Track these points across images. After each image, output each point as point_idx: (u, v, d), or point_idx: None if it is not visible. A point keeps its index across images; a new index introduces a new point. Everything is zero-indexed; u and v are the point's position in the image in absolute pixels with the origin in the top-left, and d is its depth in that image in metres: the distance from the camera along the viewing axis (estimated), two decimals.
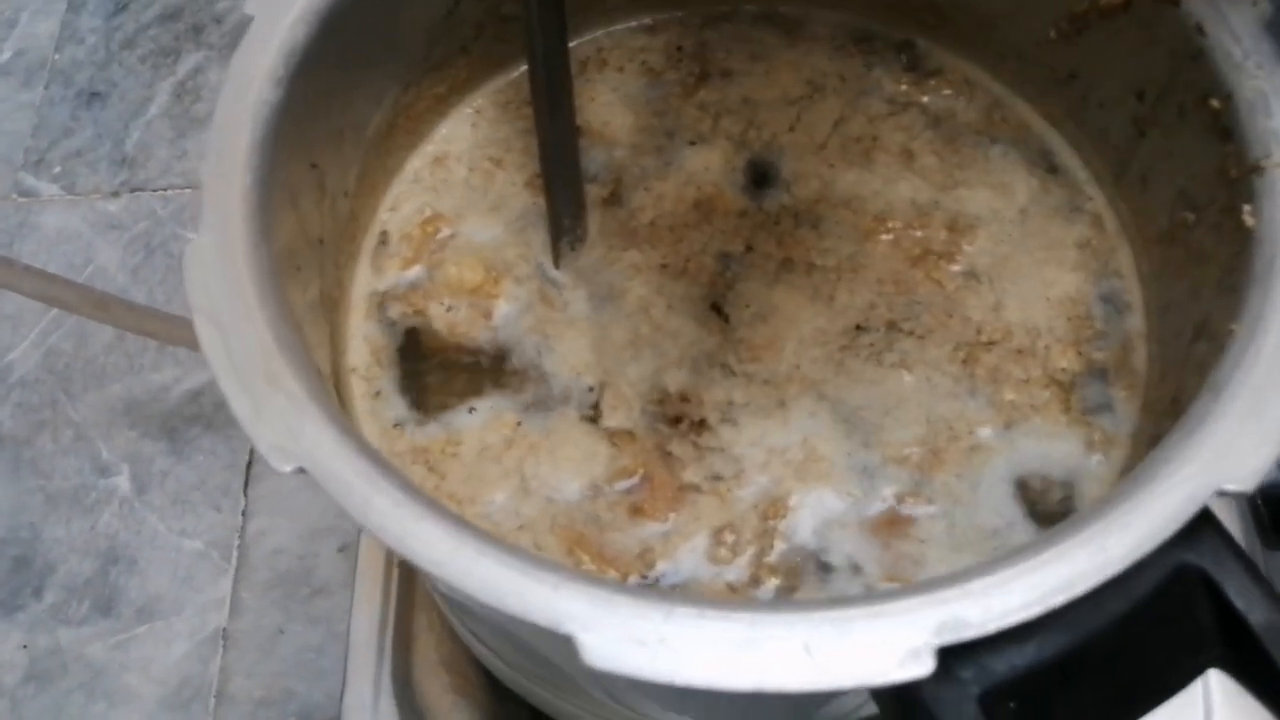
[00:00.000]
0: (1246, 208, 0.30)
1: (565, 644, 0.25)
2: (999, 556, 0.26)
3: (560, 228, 0.39)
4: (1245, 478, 0.26)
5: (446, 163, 0.42)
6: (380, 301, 0.40)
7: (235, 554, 0.70)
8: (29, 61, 0.88)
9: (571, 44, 0.44)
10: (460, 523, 0.27)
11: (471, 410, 0.38)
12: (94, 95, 0.87)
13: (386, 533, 0.27)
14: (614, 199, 0.41)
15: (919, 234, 0.40)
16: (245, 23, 0.35)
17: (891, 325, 0.38)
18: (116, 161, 0.84)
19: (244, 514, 0.70)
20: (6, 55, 0.89)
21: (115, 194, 0.82)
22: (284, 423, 0.28)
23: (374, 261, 0.41)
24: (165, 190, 0.81)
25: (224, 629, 0.67)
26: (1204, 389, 0.28)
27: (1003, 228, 0.40)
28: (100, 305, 0.62)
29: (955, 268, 0.39)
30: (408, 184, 0.42)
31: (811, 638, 0.25)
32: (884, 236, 0.40)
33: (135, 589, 0.69)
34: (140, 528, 0.71)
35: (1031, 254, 0.39)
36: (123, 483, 0.72)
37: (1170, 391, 0.33)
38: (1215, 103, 0.32)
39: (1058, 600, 0.25)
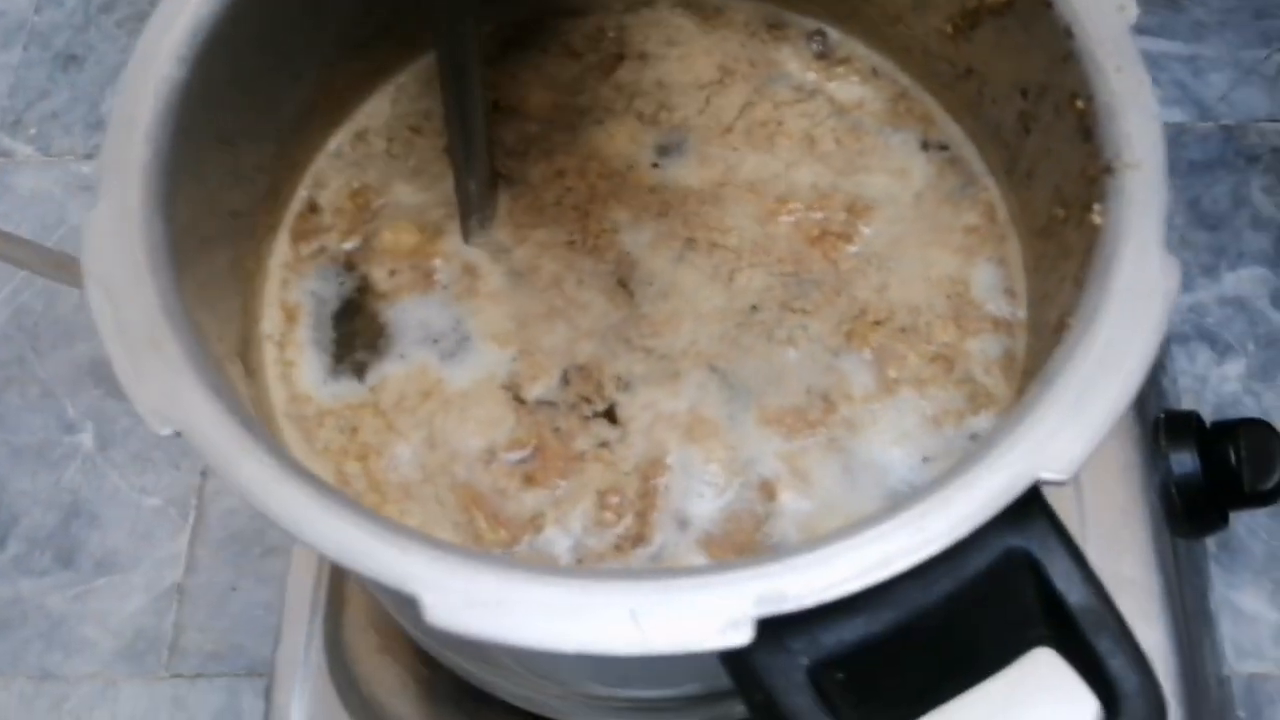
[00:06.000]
0: (1097, 206, 0.31)
1: (411, 604, 0.27)
2: (828, 534, 0.28)
3: (469, 206, 0.41)
4: (1064, 467, 0.27)
5: (367, 137, 0.44)
6: (311, 267, 0.41)
7: (193, 512, 0.71)
8: (8, 23, 0.89)
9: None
10: (324, 488, 0.28)
11: (402, 356, 0.40)
12: (71, 58, 0.88)
13: (252, 494, 0.28)
14: (523, 174, 0.43)
15: (819, 215, 0.41)
16: None
17: (784, 305, 0.40)
18: (91, 125, 0.85)
19: (202, 473, 0.72)
20: None
21: (89, 156, 0.84)
22: (163, 387, 0.30)
23: (296, 231, 0.42)
24: None
25: (179, 584, 0.69)
26: (1036, 380, 0.29)
27: (898, 210, 0.41)
28: (59, 265, 0.63)
29: (852, 248, 0.41)
30: (329, 159, 0.43)
31: (639, 605, 0.26)
32: (784, 218, 0.41)
33: (95, 543, 0.71)
34: (102, 484, 0.73)
35: (920, 236, 0.40)
36: (86, 439, 0.74)
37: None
38: (1080, 103, 0.33)
39: (877, 576, 0.27)
